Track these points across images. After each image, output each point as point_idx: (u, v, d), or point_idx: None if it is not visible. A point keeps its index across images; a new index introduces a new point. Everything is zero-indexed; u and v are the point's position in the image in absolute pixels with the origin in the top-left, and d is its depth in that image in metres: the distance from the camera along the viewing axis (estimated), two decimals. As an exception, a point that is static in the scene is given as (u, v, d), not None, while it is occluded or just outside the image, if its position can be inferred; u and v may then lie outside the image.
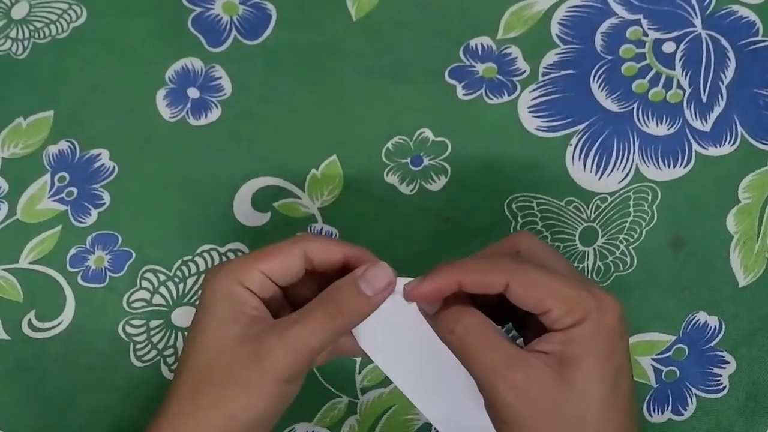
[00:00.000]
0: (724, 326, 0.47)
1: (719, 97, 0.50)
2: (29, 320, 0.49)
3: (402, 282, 0.37)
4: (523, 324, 0.39)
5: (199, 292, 0.48)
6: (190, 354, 0.36)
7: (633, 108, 0.50)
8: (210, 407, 0.35)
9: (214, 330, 0.36)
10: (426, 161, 0.50)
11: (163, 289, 0.49)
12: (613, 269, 0.48)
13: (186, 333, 0.48)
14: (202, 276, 0.49)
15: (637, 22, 0.51)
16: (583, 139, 0.49)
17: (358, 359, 0.48)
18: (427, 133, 0.50)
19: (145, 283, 0.49)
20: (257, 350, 0.35)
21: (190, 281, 0.49)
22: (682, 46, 0.50)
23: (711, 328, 0.47)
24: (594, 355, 0.34)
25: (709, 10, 0.51)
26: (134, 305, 0.49)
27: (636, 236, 0.48)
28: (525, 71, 0.51)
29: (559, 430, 0.33)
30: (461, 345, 0.35)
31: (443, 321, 0.36)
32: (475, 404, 0.37)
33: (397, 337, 0.38)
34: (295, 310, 0.38)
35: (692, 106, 0.50)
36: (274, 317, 0.37)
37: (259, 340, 0.35)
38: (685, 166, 0.49)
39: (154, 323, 0.49)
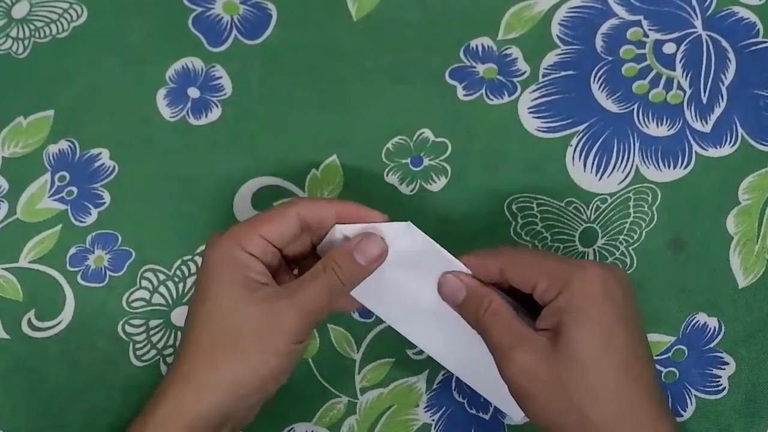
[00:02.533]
0: (723, 327, 0.47)
1: (719, 98, 0.50)
2: (29, 319, 0.49)
3: (388, 226, 0.41)
4: None
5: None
6: (201, 314, 0.38)
7: (633, 109, 0.50)
8: (227, 364, 0.38)
9: (224, 292, 0.38)
10: (426, 161, 0.50)
11: (162, 289, 0.49)
12: (612, 270, 0.48)
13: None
14: (202, 276, 0.49)
15: (638, 23, 0.51)
16: (584, 140, 0.49)
17: (358, 359, 0.48)
18: (428, 133, 0.50)
19: (144, 283, 0.49)
20: (269, 312, 0.38)
21: (189, 281, 0.49)
22: (682, 47, 0.50)
23: (710, 329, 0.47)
24: (579, 323, 0.37)
25: (710, 11, 0.51)
26: (134, 305, 0.49)
27: (636, 237, 0.48)
28: (525, 72, 0.51)
29: (560, 398, 0.36)
30: (482, 328, 0.39)
31: (468, 312, 0.40)
32: (470, 338, 0.41)
33: (388, 285, 0.42)
34: (292, 267, 0.42)
35: (692, 107, 0.50)
36: (275, 276, 0.40)
37: (270, 302, 0.38)
38: (685, 167, 0.49)
39: (153, 323, 0.49)
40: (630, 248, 0.48)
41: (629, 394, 0.37)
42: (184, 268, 0.49)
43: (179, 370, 0.39)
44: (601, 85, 0.50)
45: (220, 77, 0.52)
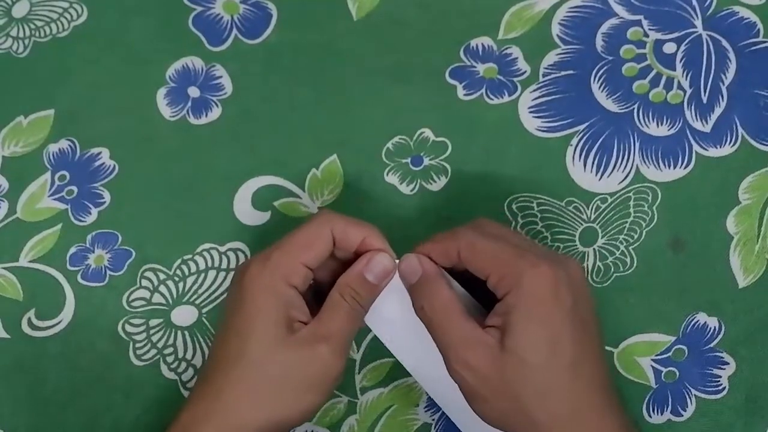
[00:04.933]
0: (723, 327, 0.47)
1: (720, 97, 0.50)
2: (29, 319, 0.49)
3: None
4: None
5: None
6: (245, 354, 0.39)
7: (633, 109, 0.50)
8: (273, 407, 0.39)
9: (269, 333, 0.39)
10: (426, 161, 0.50)
11: (162, 288, 0.49)
12: (613, 270, 0.48)
13: (186, 332, 0.48)
14: (202, 275, 0.49)
15: (638, 23, 0.51)
16: (584, 139, 0.49)
17: (358, 359, 0.48)
18: (428, 133, 0.50)
19: (144, 282, 0.49)
20: (313, 358, 0.39)
21: (189, 280, 0.49)
22: (682, 47, 0.50)
23: (710, 329, 0.47)
24: (527, 323, 0.37)
25: (710, 11, 0.51)
26: (134, 304, 0.49)
27: (636, 237, 0.48)
28: (525, 71, 0.51)
29: (508, 399, 0.37)
30: (428, 321, 0.40)
31: (415, 297, 0.41)
32: None
33: (393, 309, 0.42)
34: (314, 280, 0.42)
35: (693, 106, 0.50)
36: (303, 294, 0.41)
37: (311, 347, 0.39)
38: (685, 167, 0.49)
39: (153, 322, 0.49)
40: (630, 248, 0.48)
41: (576, 395, 0.37)
42: (184, 267, 0.49)
43: (220, 403, 0.39)
44: (601, 84, 0.50)
45: (221, 77, 0.52)
